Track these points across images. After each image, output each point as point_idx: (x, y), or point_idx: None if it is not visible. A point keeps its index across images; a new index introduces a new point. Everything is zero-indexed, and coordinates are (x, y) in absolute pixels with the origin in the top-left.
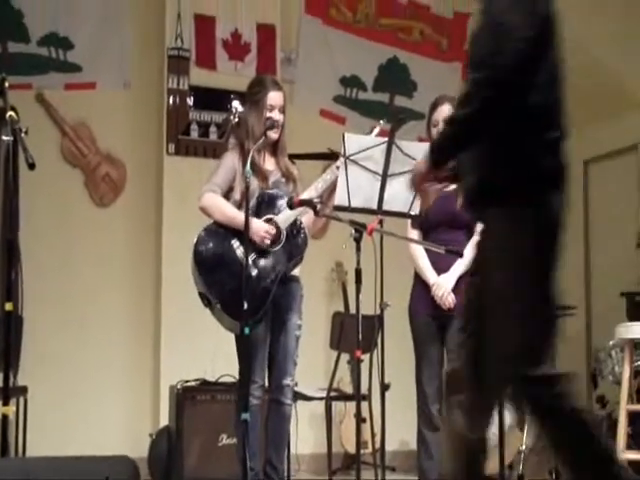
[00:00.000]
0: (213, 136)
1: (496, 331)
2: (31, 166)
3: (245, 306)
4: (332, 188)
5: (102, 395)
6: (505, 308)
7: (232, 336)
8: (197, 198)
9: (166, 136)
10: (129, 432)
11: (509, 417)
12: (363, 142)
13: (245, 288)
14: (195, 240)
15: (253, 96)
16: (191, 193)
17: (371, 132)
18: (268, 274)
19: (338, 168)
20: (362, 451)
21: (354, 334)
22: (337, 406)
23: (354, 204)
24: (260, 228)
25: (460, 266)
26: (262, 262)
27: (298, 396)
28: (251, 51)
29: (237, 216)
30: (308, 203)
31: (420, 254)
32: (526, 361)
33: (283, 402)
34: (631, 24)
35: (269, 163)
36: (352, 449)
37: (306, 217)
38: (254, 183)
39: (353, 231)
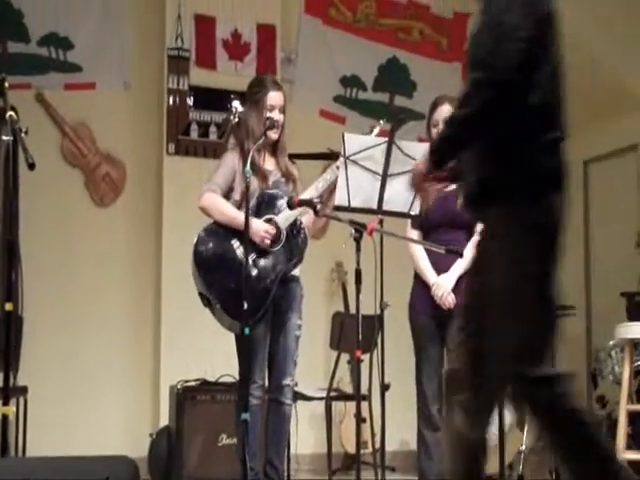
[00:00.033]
0: (213, 136)
1: (496, 331)
2: (31, 166)
3: (245, 306)
4: (332, 188)
5: (102, 395)
6: (505, 308)
7: (232, 336)
8: (197, 198)
9: (166, 136)
10: (129, 432)
11: (509, 417)
12: (363, 142)
13: (245, 288)
14: (195, 240)
15: (253, 96)
16: (191, 193)
17: (371, 132)
18: (268, 274)
19: (338, 168)
20: (362, 451)
21: (354, 334)
22: (337, 406)
23: (354, 204)
24: (260, 228)
25: (460, 266)
26: (262, 262)
27: (298, 396)
28: (251, 51)
29: (237, 216)
30: (308, 203)
31: (420, 255)
32: (526, 361)
33: (283, 402)
34: (631, 24)
35: (269, 163)
36: (352, 449)
37: (306, 217)
38: (254, 183)
39: (353, 231)
